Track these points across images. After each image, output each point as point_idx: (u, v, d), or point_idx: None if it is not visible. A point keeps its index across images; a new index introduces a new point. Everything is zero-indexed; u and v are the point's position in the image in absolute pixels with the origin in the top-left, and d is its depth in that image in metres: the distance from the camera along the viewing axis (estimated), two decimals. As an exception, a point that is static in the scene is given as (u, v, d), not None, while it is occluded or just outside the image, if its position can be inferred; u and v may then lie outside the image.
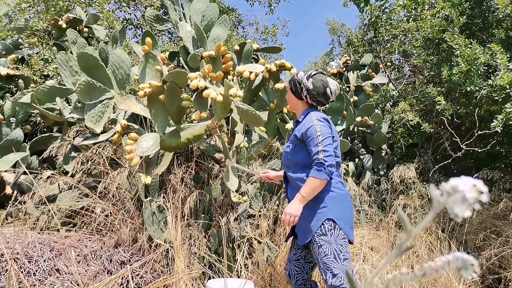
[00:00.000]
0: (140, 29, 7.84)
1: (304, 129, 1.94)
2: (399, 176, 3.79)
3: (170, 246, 2.57)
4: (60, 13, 4.57)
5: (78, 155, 3.07)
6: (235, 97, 2.48)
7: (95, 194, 2.85)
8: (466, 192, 0.37)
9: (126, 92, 3.04)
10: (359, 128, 4.41)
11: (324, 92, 2.00)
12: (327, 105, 3.20)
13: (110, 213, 2.79)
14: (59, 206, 2.88)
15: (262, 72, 3.11)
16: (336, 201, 1.90)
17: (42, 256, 2.38)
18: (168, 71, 2.71)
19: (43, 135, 3.48)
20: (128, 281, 2.40)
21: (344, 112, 4.15)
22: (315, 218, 1.88)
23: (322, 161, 1.83)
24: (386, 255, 3.05)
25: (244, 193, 2.91)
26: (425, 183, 3.85)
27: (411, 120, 3.74)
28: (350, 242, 1.90)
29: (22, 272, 2.24)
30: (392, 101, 4.65)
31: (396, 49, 4.28)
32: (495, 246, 3.03)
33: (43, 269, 2.31)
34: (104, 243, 2.70)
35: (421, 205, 3.60)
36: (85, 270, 2.41)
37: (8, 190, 3.09)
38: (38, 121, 3.88)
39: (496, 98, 3.08)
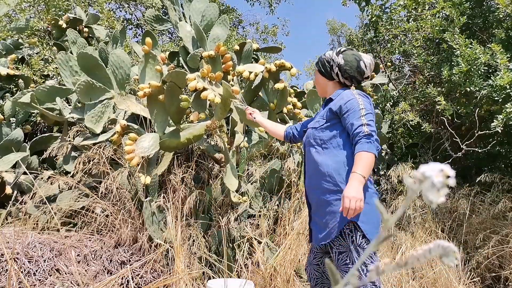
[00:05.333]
0: (141, 29, 7.84)
1: (342, 102, 1.70)
2: (397, 176, 3.79)
3: (170, 246, 2.57)
4: (60, 13, 4.57)
5: (79, 155, 3.07)
6: (235, 96, 2.47)
7: (95, 194, 2.85)
8: (433, 177, 0.37)
9: (126, 92, 3.04)
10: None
11: (358, 66, 1.78)
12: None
13: (111, 213, 2.79)
14: (59, 206, 2.88)
15: (262, 72, 3.11)
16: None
17: (42, 256, 2.38)
18: (168, 71, 2.71)
19: (43, 135, 3.48)
20: (128, 281, 2.40)
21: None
22: (335, 219, 1.63)
23: (370, 133, 1.57)
24: (385, 255, 3.05)
25: (244, 193, 2.91)
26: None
27: (411, 120, 3.74)
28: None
29: (22, 272, 2.24)
30: (392, 101, 4.65)
31: (396, 49, 4.28)
32: (494, 246, 3.03)
33: (43, 269, 2.31)
34: (104, 243, 2.70)
35: (421, 205, 3.60)
36: (85, 270, 2.42)
37: (8, 190, 3.09)
38: (38, 121, 3.88)
39: (496, 98, 3.08)
